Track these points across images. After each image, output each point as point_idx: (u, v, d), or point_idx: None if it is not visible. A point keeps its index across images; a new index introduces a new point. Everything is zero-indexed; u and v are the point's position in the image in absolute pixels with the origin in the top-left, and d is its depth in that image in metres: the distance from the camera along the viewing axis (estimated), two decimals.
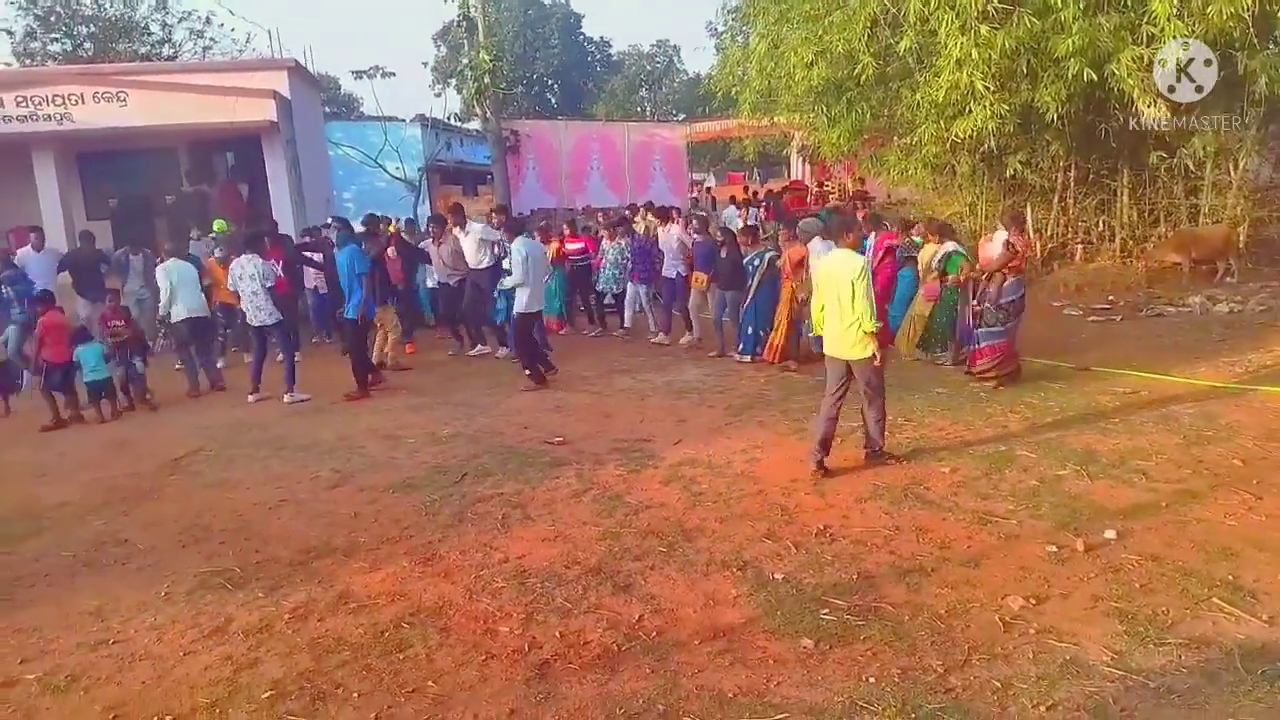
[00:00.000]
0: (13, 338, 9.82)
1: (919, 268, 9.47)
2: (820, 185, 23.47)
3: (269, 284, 9.06)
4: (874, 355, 5.85)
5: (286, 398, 9.04)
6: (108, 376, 8.86)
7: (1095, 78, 10.83)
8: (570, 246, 12.49)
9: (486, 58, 18.01)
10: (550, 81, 50.93)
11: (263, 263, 9.19)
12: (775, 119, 17.17)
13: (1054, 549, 4.66)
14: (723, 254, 10.29)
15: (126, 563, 5.19)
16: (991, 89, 11.10)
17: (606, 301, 12.62)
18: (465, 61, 20.12)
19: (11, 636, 4.31)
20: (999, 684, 3.48)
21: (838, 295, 5.89)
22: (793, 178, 27.38)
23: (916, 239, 9.92)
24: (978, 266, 8.68)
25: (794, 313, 9.33)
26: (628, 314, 12.15)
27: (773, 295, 9.66)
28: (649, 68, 53.82)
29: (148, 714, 3.56)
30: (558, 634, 4.02)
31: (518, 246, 9.02)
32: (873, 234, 10.61)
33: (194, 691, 3.71)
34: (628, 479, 6.08)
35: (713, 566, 4.65)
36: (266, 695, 3.65)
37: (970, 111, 11.41)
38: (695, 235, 11.05)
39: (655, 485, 5.94)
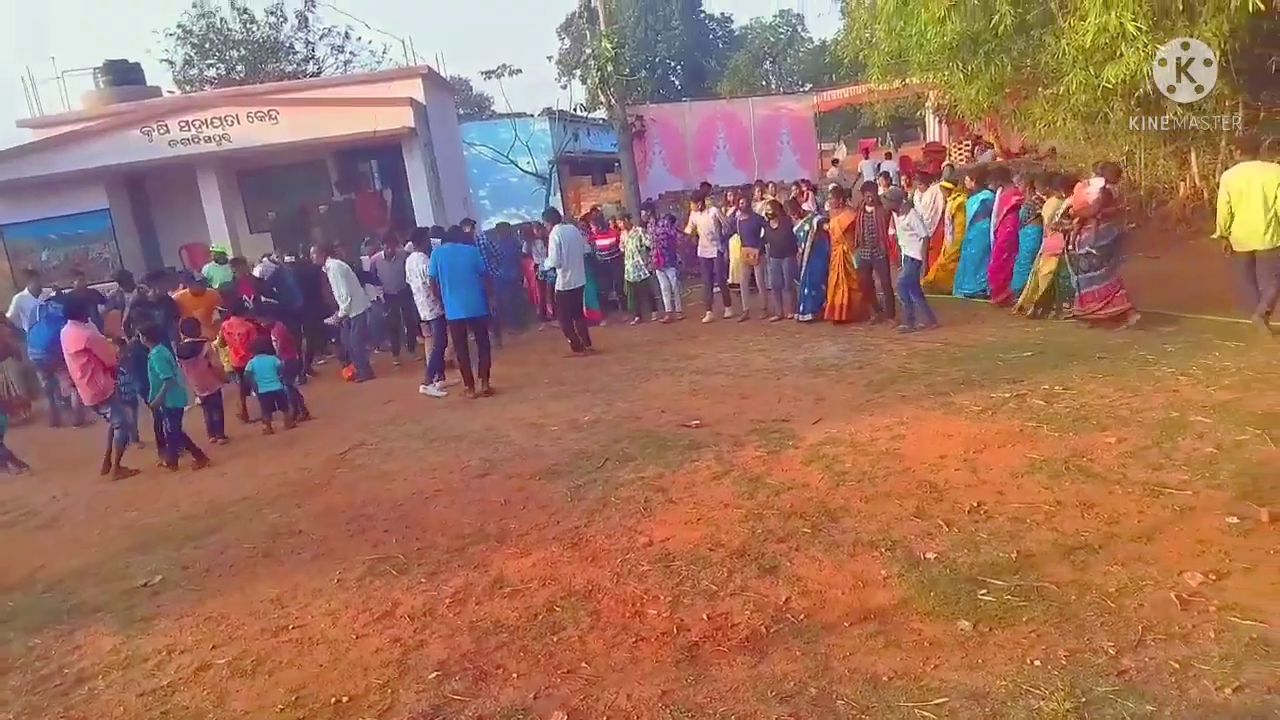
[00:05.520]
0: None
1: (1045, 224, 9.39)
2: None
3: (426, 280, 9.48)
4: None
5: (421, 388, 9.54)
6: (278, 389, 9.16)
7: (1262, 7, 9.85)
8: (600, 242, 13.02)
9: (609, 45, 18.13)
10: (673, 63, 50.79)
11: (422, 260, 9.63)
12: (907, 80, 16.49)
13: (1235, 520, 4.31)
14: (774, 225, 11.25)
15: (301, 552, 5.57)
16: (1144, 29, 10.28)
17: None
18: (588, 51, 20.36)
19: (203, 624, 4.69)
20: (1177, 665, 3.26)
21: (1262, 194, 7.29)
22: (929, 139, 26.30)
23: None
24: (1071, 211, 8.65)
25: (847, 273, 10.37)
26: (666, 300, 12.57)
27: (822, 257, 10.68)
28: (772, 39, 52.71)
29: (327, 695, 3.81)
30: (705, 616, 4.04)
31: (554, 234, 10.51)
32: (999, 189, 10.65)
33: (367, 673, 3.95)
34: (767, 460, 6.04)
35: (860, 546, 4.56)
36: (433, 676, 3.83)
37: (1122, 55, 10.62)
38: (741, 214, 11.96)
39: (796, 465, 5.87)
